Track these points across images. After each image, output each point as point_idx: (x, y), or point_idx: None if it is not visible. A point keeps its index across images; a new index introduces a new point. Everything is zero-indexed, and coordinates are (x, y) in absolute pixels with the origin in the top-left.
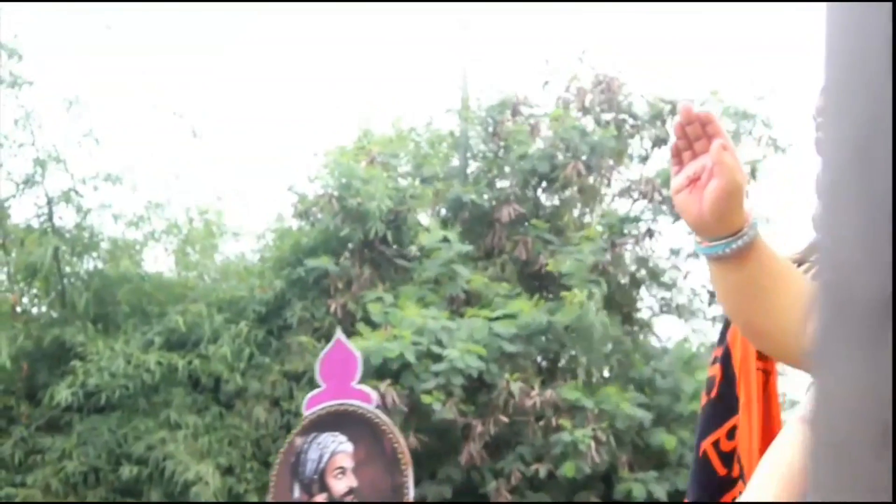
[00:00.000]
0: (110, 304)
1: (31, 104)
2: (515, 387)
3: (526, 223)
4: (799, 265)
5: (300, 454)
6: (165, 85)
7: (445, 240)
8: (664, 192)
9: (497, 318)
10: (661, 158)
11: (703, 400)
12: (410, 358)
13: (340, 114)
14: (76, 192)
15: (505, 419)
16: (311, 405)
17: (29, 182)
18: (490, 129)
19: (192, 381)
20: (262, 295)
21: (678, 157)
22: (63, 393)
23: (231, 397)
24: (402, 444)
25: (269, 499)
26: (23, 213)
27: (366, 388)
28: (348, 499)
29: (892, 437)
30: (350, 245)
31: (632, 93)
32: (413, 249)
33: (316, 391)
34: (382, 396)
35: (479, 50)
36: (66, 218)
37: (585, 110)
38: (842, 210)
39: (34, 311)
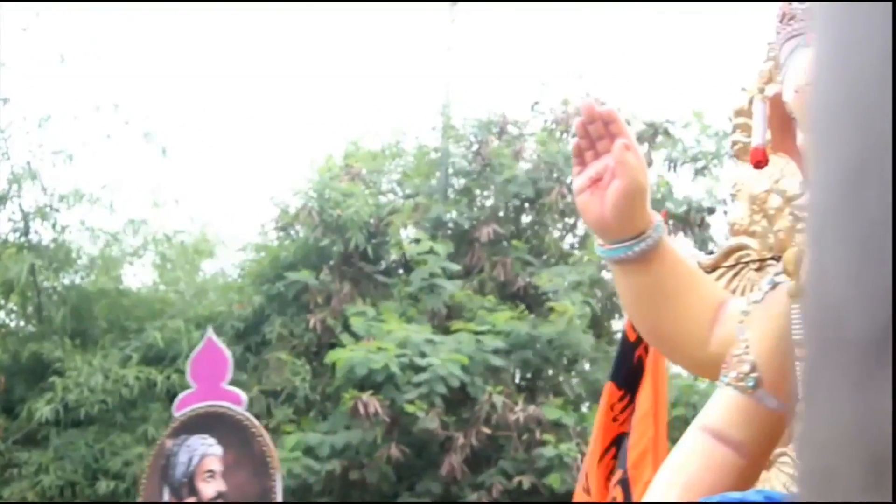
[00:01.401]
0: (88, 320)
1: (4, 120)
2: (498, 400)
3: (505, 243)
4: (713, 270)
5: (170, 457)
6: (143, 99)
7: (432, 251)
8: None
9: (483, 332)
10: None
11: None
12: (394, 369)
13: (324, 128)
14: (52, 208)
15: (487, 431)
16: (181, 407)
17: (3, 198)
18: (474, 148)
19: (170, 396)
20: (240, 311)
21: (580, 158)
22: (42, 409)
23: None
24: (271, 447)
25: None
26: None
27: (235, 390)
28: (217, 502)
29: (884, 473)
30: (330, 261)
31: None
32: (394, 261)
33: (186, 392)
34: (365, 406)
35: (468, 68)
36: (42, 234)
37: (571, 132)
38: (830, 243)
39: (11, 325)
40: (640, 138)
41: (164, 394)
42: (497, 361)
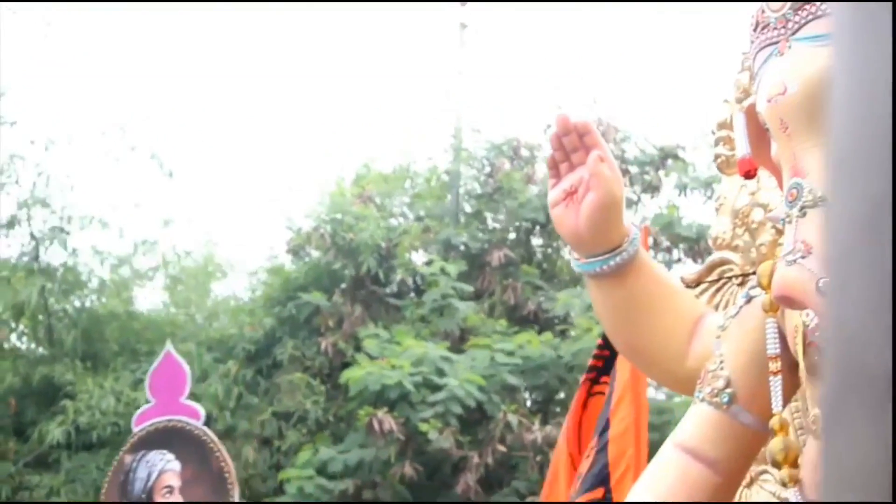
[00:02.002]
0: (99, 343)
1: (13, 144)
2: (514, 420)
3: (513, 267)
4: (696, 285)
5: (129, 472)
6: (151, 122)
7: (443, 272)
8: (657, 237)
9: (499, 351)
10: (654, 204)
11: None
12: (409, 387)
13: (335, 151)
14: (62, 231)
15: (503, 450)
16: (140, 421)
17: (13, 223)
18: (486, 171)
19: None
20: (251, 333)
21: (555, 170)
22: (54, 432)
23: (220, 437)
24: (229, 462)
25: None
26: (9, 250)
27: (194, 404)
28: None
29: None
30: (342, 284)
31: (627, 138)
32: (406, 283)
33: (145, 406)
34: (380, 423)
35: (480, 91)
36: (53, 256)
37: None
38: (850, 278)
39: (22, 348)
40: (651, 163)
41: None
42: (513, 380)
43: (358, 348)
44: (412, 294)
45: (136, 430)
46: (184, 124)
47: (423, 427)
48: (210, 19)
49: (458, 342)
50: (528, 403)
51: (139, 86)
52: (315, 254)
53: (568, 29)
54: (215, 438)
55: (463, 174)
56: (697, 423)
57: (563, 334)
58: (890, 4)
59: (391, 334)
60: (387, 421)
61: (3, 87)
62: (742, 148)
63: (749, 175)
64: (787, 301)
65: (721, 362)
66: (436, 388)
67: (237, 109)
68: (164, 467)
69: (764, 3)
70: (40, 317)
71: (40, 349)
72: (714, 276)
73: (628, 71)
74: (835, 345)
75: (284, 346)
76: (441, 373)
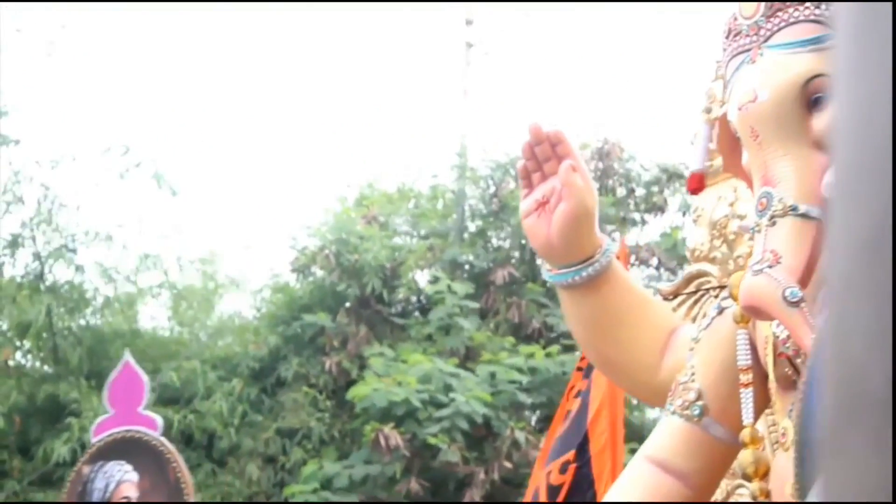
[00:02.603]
0: (104, 360)
1: (18, 163)
2: (521, 436)
3: (517, 285)
4: (674, 297)
5: (87, 483)
6: (155, 139)
7: (450, 290)
8: (662, 258)
9: (508, 367)
10: (660, 224)
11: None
12: (416, 403)
13: (340, 169)
14: (67, 248)
15: (509, 465)
16: (98, 432)
17: (18, 241)
18: (491, 190)
19: (185, 437)
20: (256, 351)
21: (527, 180)
22: (59, 449)
23: (224, 454)
24: (186, 473)
25: None
26: (15, 268)
27: (151, 414)
28: None
29: None
30: (347, 303)
31: (632, 157)
32: (410, 303)
33: (103, 417)
34: (386, 439)
35: (485, 110)
36: (58, 274)
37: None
38: (851, 304)
39: (27, 366)
40: (657, 183)
41: (180, 435)
42: (521, 397)
43: (363, 367)
44: (417, 313)
45: (94, 440)
46: (188, 143)
47: (431, 440)
48: (214, 38)
49: (464, 360)
50: (534, 421)
51: (143, 104)
52: (319, 273)
53: (573, 48)
54: (172, 448)
55: (468, 193)
56: (668, 435)
57: (567, 351)
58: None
59: (396, 353)
60: (393, 437)
61: (6, 107)
62: (695, 161)
63: (695, 191)
64: (753, 311)
65: (692, 374)
66: (442, 405)
67: (242, 128)
68: (121, 478)
69: (736, 11)
70: (45, 335)
71: (45, 367)
72: (692, 287)
73: (634, 90)
74: (834, 370)
75: (289, 364)
76: (448, 388)
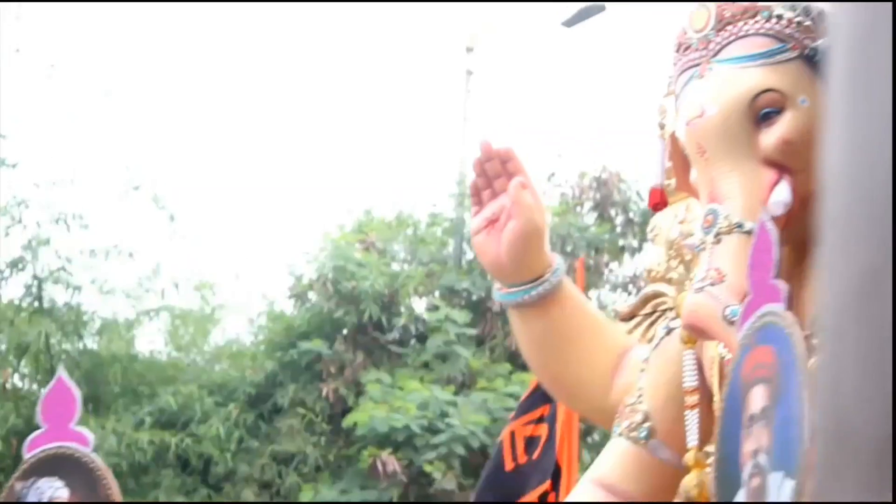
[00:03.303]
0: (101, 384)
1: (16, 186)
2: None
3: None
4: (630, 318)
5: (19, 500)
6: (154, 162)
7: (448, 318)
8: None
9: (507, 395)
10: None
11: (522, 460)
12: (415, 429)
13: (339, 197)
14: (65, 271)
15: None
16: (31, 448)
17: (17, 264)
18: None
19: (181, 462)
20: (253, 377)
21: (477, 197)
22: None
23: (220, 480)
24: (115, 489)
25: None
26: (12, 291)
27: (83, 430)
28: None
29: None
30: (344, 330)
31: (630, 185)
32: (408, 330)
33: (36, 433)
34: (384, 465)
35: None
36: (56, 296)
37: (584, 205)
38: (843, 351)
39: (24, 388)
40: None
41: (176, 459)
42: None
43: (359, 394)
44: (414, 341)
45: (26, 456)
46: (187, 168)
47: (427, 468)
48: (214, 63)
49: (461, 388)
50: None
51: (142, 127)
52: (317, 300)
53: (572, 77)
54: (102, 465)
55: (466, 221)
56: (615, 458)
57: None
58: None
59: (394, 380)
60: (391, 462)
61: (6, 130)
62: (655, 177)
63: (657, 207)
64: (693, 330)
65: (640, 396)
66: (439, 431)
67: (241, 153)
68: (52, 495)
69: (686, 24)
70: (42, 358)
71: (42, 390)
72: (648, 308)
73: (633, 118)
74: (825, 421)
75: (286, 390)
76: (445, 416)
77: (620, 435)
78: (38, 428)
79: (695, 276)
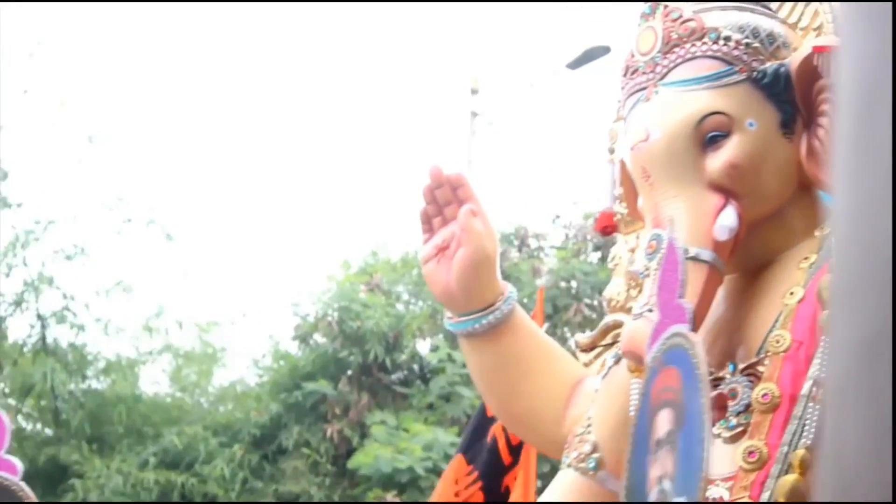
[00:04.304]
0: (105, 425)
1: (19, 225)
2: None
3: None
4: (591, 349)
5: None
6: (158, 199)
7: (450, 358)
8: None
9: None
10: None
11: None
12: (419, 471)
13: (345, 238)
14: (69, 310)
15: None
16: None
17: (20, 303)
18: None
19: (186, 502)
20: (257, 418)
21: (428, 224)
22: None
23: None
24: None
25: None
26: (17, 331)
27: (13, 459)
28: None
29: None
30: (348, 370)
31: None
32: (412, 371)
33: None
34: None
35: (489, 179)
36: (60, 336)
37: (590, 248)
38: (847, 414)
39: (28, 429)
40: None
41: (181, 499)
42: None
43: (364, 435)
44: (418, 381)
45: None
46: (193, 208)
47: None
48: (221, 102)
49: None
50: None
51: (145, 164)
52: (322, 340)
53: (577, 118)
54: (31, 495)
55: None
56: (563, 489)
57: None
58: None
59: (398, 421)
60: None
61: (7, 169)
62: (604, 201)
63: (606, 231)
64: (632, 356)
65: (588, 426)
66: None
67: (246, 194)
68: None
69: (633, 47)
70: (45, 399)
71: (46, 430)
72: (608, 339)
73: None
74: (832, 477)
75: (290, 431)
76: (449, 458)
77: (569, 466)
78: (43, 469)
79: (636, 303)
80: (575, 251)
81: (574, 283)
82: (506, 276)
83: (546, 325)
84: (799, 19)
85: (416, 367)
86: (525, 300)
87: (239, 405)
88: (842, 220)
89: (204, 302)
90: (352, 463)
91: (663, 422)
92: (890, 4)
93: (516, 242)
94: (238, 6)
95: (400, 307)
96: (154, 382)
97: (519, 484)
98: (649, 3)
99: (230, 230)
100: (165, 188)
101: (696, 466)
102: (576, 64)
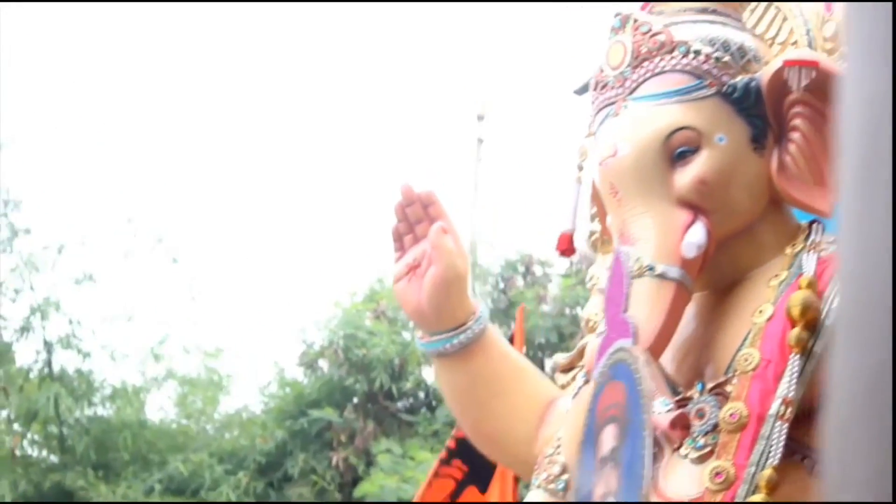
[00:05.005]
0: (111, 451)
1: (27, 251)
2: None
3: None
4: (569, 370)
5: None
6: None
7: None
8: None
9: None
10: None
11: None
12: None
13: (350, 265)
14: (75, 336)
15: None
16: None
17: (27, 329)
18: (500, 287)
19: None
20: (263, 445)
21: (399, 242)
22: None
23: None
24: None
25: None
26: (23, 356)
27: None
28: None
29: None
30: (354, 398)
31: None
32: (418, 399)
33: None
34: None
35: (495, 206)
36: (66, 362)
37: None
38: (849, 443)
39: (34, 456)
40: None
41: None
42: (524, 492)
43: (370, 463)
44: (424, 409)
45: None
46: (199, 234)
47: None
48: (228, 128)
49: None
50: None
51: (152, 187)
52: (327, 368)
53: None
54: None
55: (477, 290)
56: None
57: None
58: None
59: (404, 449)
60: None
61: (18, 197)
62: (565, 222)
63: (564, 253)
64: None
65: (558, 447)
66: None
67: (254, 221)
68: None
69: (603, 62)
70: (51, 425)
71: (52, 456)
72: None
73: None
74: None
75: (296, 459)
76: None
77: (539, 486)
78: (49, 495)
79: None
80: (580, 278)
81: (579, 311)
82: (511, 304)
83: (551, 353)
84: (777, 33)
85: (421, 394)
86: (533, 329)
87: (244, 432)
88: (846, 254)
89: (210, 328)
90: (358, 492)
91: (608, 438)
92: (889, 5)
93: (521, 270)
94: (250, 32)
95: (406, 334)
96: (160, 409)
97: (496, 482)
98: (619, 17)
99: (236, 256)
100: (172, 211)
101: (638, 483)
102: (582, 90)
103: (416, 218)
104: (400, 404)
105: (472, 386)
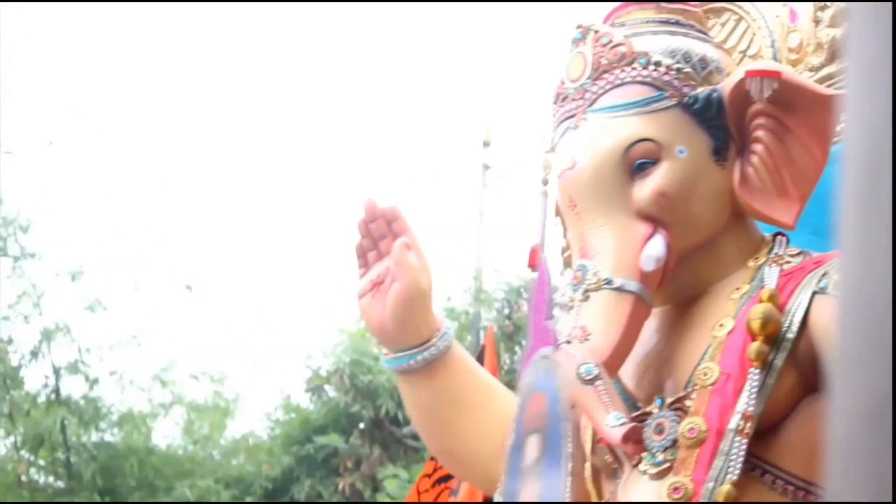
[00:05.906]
0: (118, 477)
1: (36, 276)
2: None
3: None
4: None
5: None
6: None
7: None
8: None
9: None
10: None
11: None
12: None
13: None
14: (83, 363)
15: None
16: None
17: (35, 354)
18: (505, 312)
19: None
20: (269, 471)
21: (363, 259)
22: None
23: None
24: None
25: None
26: (30, 382)
27: None
28: None
29: None
30: (360, 424)
31: None
32: None
33: None
34: None
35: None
36: (73, 388)
37: None
38: (849, 476)
39: (41, 481)
40: None
41: None
42: None
43: (376, 489)
44: None
45: None
46: (205, 260)
47: None
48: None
49: None
50: None
51: (162, 219)
52: (333, 394)
53: None
54: None
55: (482, 316)
56: None
57: None
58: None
59: (410, 475)
60: None
61: (28, 221)
62: (534, 236)
63: (535, 268)
64: None
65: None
66: None
67: (260, 248)
68: None
69: (563, 75)
70: (58, 451)
71: (59, 482)
72: None
73: None
74: None
75: (302, 485)
76: None
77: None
78: None
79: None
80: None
81: None
82: (517, 329)
83: None
84: (748, 46)
85: None
86: None
87: (251, 458)
88: (848, 288)
89: (216, 353)
90: None
91: (531, 449)
92: (889, 4)
93: (526, 295)
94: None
95: None
96: (166, 435)
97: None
98: (581, 29)
99: (243, 282)
100: (181, 235)
101: (557, 495)
102: None
103: (379, 234)
104: (406, 430)
105: (436, 403)
